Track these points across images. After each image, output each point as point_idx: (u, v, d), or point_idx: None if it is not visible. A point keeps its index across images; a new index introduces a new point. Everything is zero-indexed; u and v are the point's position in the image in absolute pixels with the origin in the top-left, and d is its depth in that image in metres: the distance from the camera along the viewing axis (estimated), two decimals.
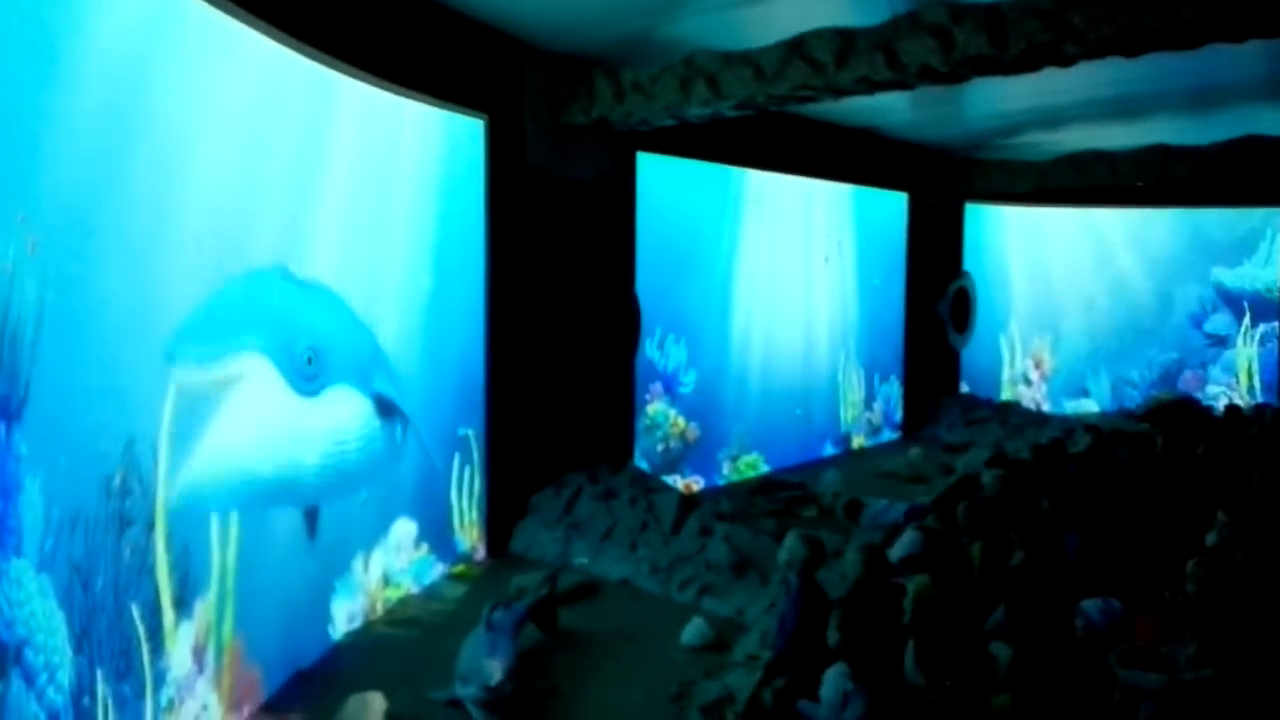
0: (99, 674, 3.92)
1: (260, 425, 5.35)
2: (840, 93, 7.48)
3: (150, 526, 4.39)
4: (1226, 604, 4.24)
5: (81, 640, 3.77)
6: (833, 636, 4.19)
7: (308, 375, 5.73)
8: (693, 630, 6.70)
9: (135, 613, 4.24)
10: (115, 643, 4.06)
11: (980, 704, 3.72)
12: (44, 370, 3.57)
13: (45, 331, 3.56)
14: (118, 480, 4.09)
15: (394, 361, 7.14)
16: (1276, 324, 15.74)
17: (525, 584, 7.30)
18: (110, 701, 4.00)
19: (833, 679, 4.01)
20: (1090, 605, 4.40)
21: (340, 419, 6.24)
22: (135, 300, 4.30)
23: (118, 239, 4.11)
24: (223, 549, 5.07)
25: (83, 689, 3.77)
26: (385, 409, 6.68)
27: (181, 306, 4.69)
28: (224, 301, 5.01)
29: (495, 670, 5.49)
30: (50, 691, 3.52)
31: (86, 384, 3.92)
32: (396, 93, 7.20)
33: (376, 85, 6.94)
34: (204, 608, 4.97)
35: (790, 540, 5.12)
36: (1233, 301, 16.08)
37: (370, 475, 6.80)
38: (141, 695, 4.32)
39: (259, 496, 5.40)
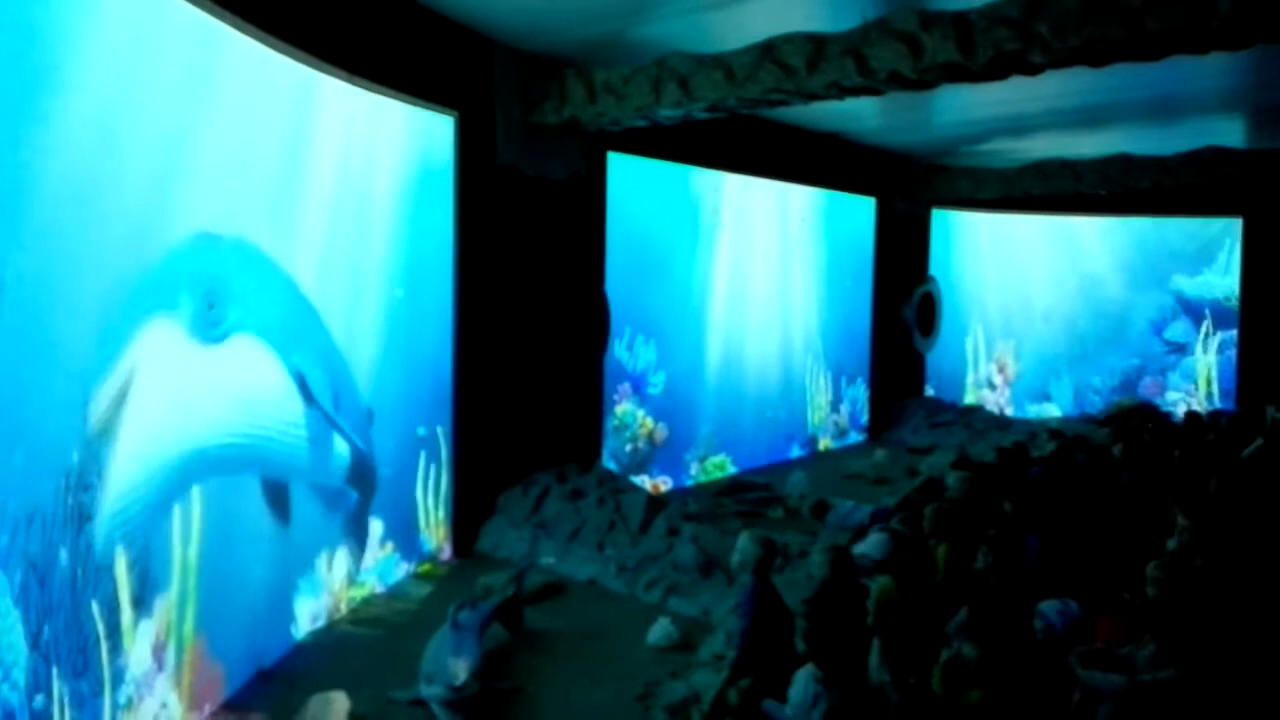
0: (56, 672, 3.85)
1: (164, 386, 4.89)
2: (811, 97, 7.51)
3: (110, 521, 4.32)
4: (1186, 606, 4.30)
5: (38, 637, 3.70)
6: (799, 643, 4.20)
7: (210, 321, 5.33)
8: (659, 630, 6.71)
9: (93, 610, 4.17)
10: (73, 640, 3.99)
11: (948, 703, 3.74)
12: (1, 364, 3.50)
13: (2, 325, 3.48)
14: (76, 476, 4.02)
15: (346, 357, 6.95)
16: (1234, 332, 16.05)
17: (491, 583, 7.28)
18: (67, 699, 3.93)
19: (802, 680, 4.02)
20: (1048, 607, 4.45)
21: (247, 370, 5.76)
22: (96, 294, 4.23)
23: (78, 232, 4.05)
24: (184, 546, 5.00)
25: (39, 687, 3.70)
26: (308, 391, 6.29)
27: None
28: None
29: (460, 670, 5.46)
30: (5, 689, 3.46)
31: (45, 379, 3.85)
32: (366, 88, 7.15)
33: (347, 80, 6.88)
34: (164, 605, 4.90)
35: (742, 541, 5.14)
36: (1192, 309, 16.39)
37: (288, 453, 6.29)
38: (99, 693, 4.25)
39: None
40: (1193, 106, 11.03)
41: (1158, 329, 16.57)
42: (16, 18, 3.61)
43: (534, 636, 6.78)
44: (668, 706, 5.39)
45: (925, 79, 6.88)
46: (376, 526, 7.56)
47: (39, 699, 3.71)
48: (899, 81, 6.94)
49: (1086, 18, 6.04)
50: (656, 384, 11.13)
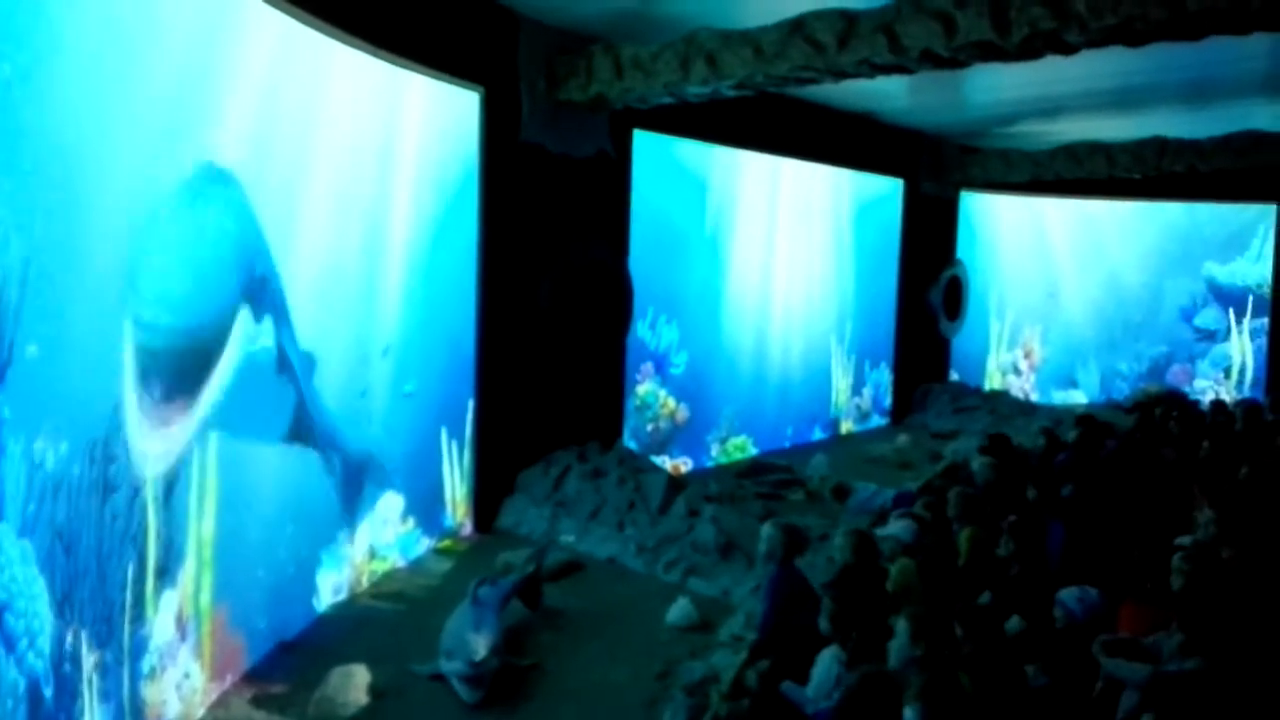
0: (80, 640, 3.88)
1: None
2: (840, 75, 7.42)
3: (135, 492, 4.35)
4: (1212, 597, 4.25)
5: (63, 606, 3.73)
6: (823, 624, 4.19)
7: None
8: (678, 610, 6.71)
9: (118, 579, 4.21)
10: (97, 609, 4.02)
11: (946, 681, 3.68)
12: (28, 333, 3.51)
13: (30, 293, 3.49)
14: (102, 445, 4.04)
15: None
16: (1266, 320, 15.80)
17: (512, 560, 7.31)
18: (92, 668, 3.97)
19: (826, 661, 4.01)
20: (1068, 595, 4.41)
21: None
22: (121, 263, 4.24)
23: (103, 199, 4.05)
24: (199, 520, 5.01)
25: (64, 655, 3.74)
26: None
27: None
28: None
29: (480, 646, 5.49)
30: (30, 657, 3.49)
31: (72, 347, 3.86)
32: (392, 62, 7.12)
33: (373, 54, 6.86)
34: (187, 576, 4.94)
35: (767, 530, 5.13)
36: (1223, 296, 16.14)
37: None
38: (123, 662, 4.30)
39: None
40: (1230, 89, 10.81)
41: (1188, 316, 16.34)
42: None
43: (553, 614, 6.80)
44: (686, 686, 5.38)
45: (958, 58, 6.76)
46: (397, 501, 7.60)
47: (65, 667, 3.75)
48: (931, 60, 6.83)
49: None
50: (679, 364, 11.09)
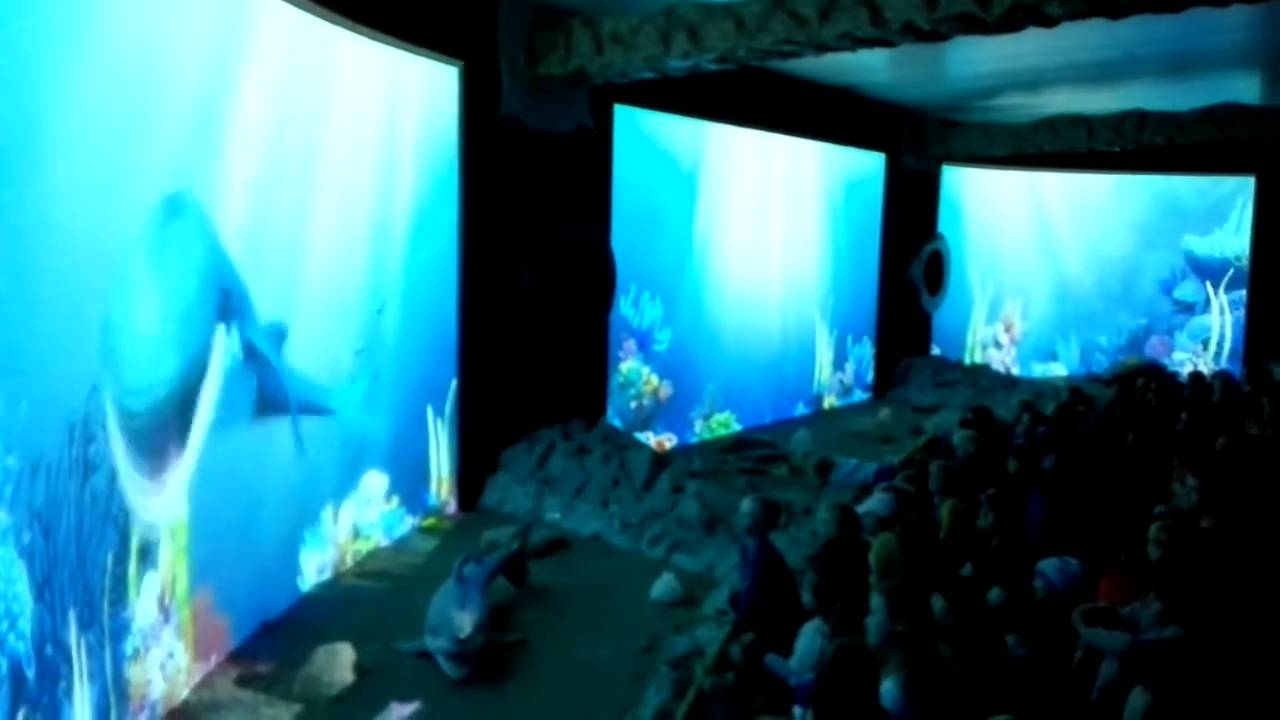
0: (62, 623, 3.86)
1: None
2: (822, 48, 7.38)
3: (114, 474, 4.32)
4: (1191, 566, 4.30)
5: (43, 589, 3.70)
6: (806, 597, 4.22)
7: None
8: (663, 586, 6.74)
9: (99, 561, 4.18)
10: (78, 592, 4.00)
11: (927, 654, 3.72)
12: (3, 313, 3.46)
13: (3, 274, 3.44)
14: (81, 427, 4.00)
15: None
16: (1243, 292, 15.93)
17: (496, 538, 7.31)
18: (74, 650, 3.95)
19: (809, 633, 4.04)
20: (1048, 565, 4.45)
21: None
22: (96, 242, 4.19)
23: (80, 175, 3.99)
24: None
25: (45, 638, 3.72)
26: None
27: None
28: None
29: (465, 623, 5.50)
30: (11, 639, 3.46)
31: (49, 328, 3.81)
32: (371, 37, 7.03)
33: (352, 29, 6.77)
34: (168, 558, 4.91)
35: (746, 505, 5.15)
36: (1202, 269, 16.26)
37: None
38: (106, 644, 4.28)
39: None
40: (1209, 62, 10.84)
41: (1167, 288, 16.48)
42: None
43: (538, 591, 6.82)
44: (671, 660, 5.42)
45: (939, 30, 6.74)
46: (381, 480, 7.58)
47: (46, 649, 3.73)
48: (913, 33, 6.81)
49: None
50: (662, 341, 11.09)
